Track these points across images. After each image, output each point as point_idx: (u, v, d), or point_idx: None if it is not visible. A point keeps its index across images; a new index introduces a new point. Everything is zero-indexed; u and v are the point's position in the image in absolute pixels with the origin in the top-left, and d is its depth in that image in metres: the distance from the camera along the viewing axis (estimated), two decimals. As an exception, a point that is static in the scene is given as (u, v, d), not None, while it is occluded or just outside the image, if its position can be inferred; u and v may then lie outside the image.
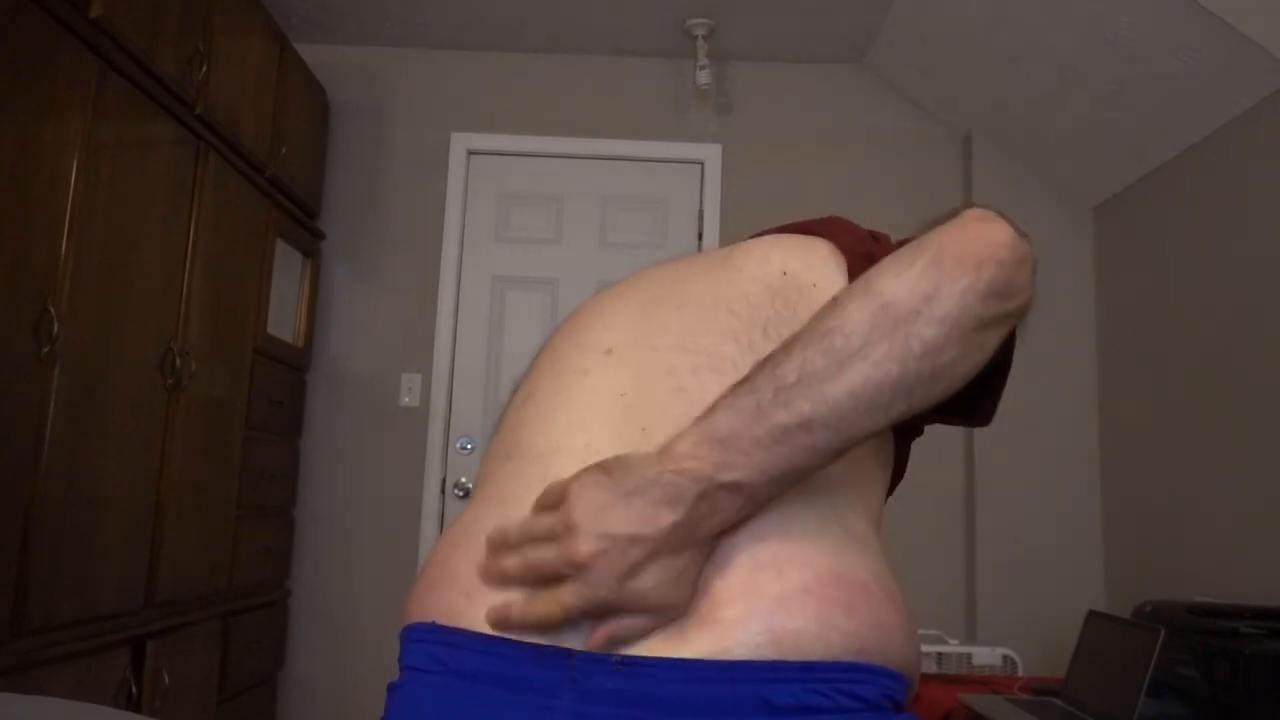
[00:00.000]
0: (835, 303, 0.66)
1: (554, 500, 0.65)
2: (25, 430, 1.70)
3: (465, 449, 3.21)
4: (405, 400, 3.23)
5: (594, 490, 0.63)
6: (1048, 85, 2.83)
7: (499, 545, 0.67)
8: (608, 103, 3.41)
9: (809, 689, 0.61)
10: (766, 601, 0.63)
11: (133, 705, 2.01)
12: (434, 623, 0.69)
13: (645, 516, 0.61)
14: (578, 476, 0.65)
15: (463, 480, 3.19)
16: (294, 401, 3.08)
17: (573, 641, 0.63)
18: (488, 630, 0.65)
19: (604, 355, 0.79)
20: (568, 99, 3.41)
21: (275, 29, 2.76)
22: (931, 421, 0.80)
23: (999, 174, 3.22)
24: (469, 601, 0.67)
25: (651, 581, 0.61)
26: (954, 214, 0.70)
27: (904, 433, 0.86)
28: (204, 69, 2.27)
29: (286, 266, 2.95)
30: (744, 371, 0.70)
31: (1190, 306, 2.57)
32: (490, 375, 3.27)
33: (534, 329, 3.27)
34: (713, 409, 0.64)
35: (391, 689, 0.71)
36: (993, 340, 0.66)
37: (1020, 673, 2.44)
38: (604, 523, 0.61)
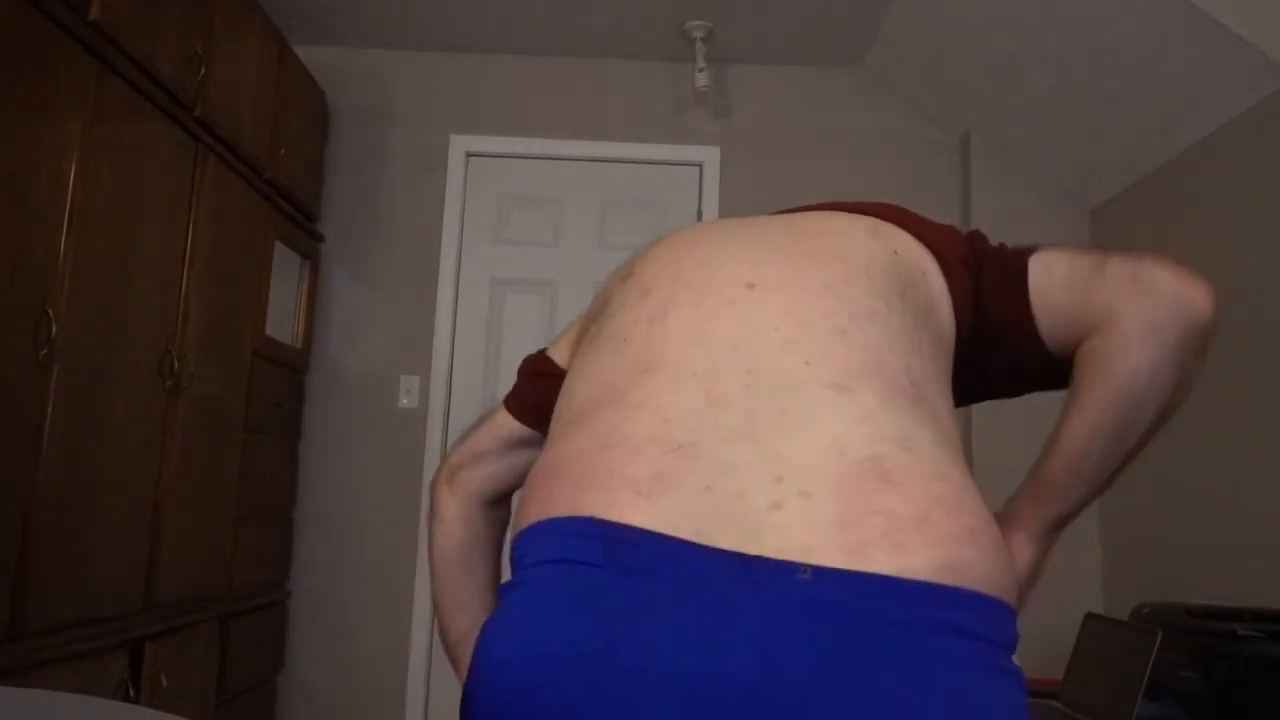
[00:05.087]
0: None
1: None
2: (24, 431, 1.70)
3: (464, 451, 3.20)
4: (404, 402, 3.23)
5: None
6: (1046, 87, 2.83)
7: None
8: (606, 105, 3.41)
9: (982, 620, 0.65)
10: (942, 533, 0.66)
11: (131, 707, 2.00)
12: (593, 517, 0.67)
13: None
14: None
15: (461, 482, 3.18)
16: (293, 403, 3.08)
17: (754, 547, 0.63)
18: (667, 530, 0.65)
19: (747, 289, 0.80)
20: (566, 101, 3.41)
21: (274, 31, 2.76)
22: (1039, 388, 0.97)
23: (997, 176, 3.22)
24: (644, 500, 0.66)
25: None
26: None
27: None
28: (203, 71, 2.27)
29: (285, 269, 2.95)
30: (894, 327, 0.76)
31: (1188, 308, 2.56)
32: (489, 377, 3.27)
33: (532, 331, 3.26)
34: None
35: (518, 585, 0.69)
36: None
37: (1019, 674, 2.44)
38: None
